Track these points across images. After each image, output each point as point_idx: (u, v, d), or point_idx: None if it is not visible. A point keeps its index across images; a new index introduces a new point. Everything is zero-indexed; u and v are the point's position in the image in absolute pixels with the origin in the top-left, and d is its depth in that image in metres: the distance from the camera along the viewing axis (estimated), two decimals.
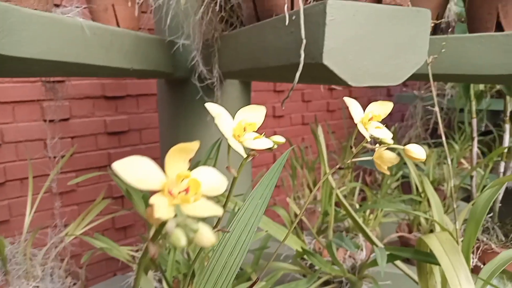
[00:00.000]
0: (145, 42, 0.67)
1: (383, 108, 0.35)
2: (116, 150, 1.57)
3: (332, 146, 2.17)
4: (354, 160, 0.36)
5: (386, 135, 0.34)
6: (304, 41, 0.38)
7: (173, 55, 0.78)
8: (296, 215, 1.23)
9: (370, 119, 0.32)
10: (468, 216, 0.58)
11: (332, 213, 0.67)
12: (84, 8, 0.67)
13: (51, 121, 1.25)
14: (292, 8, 0.60)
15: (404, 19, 0.40)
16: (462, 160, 1.47)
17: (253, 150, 0.25)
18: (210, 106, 0.26)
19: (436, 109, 0.63)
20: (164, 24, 0.75)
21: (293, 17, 0.41)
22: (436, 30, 0.74)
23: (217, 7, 0.65)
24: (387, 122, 2.72)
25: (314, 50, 0.38)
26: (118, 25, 0.70)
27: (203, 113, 0.80)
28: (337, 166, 0.36)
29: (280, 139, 0.28)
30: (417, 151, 0.34)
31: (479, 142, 1.87)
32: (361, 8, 0.37)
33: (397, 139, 1.86)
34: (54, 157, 1.45)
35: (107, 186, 1.53)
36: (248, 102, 0.90)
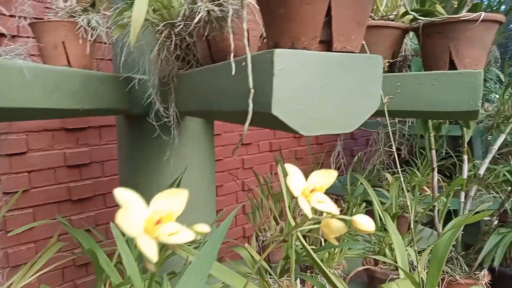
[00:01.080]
0: (97, 80, 0.65)
1: (326, 178, 0.33)
2: (76, 183, 1.50)
3: None
4: (299, 229, 0.34)
5: (330, 208, 0.32)
6: (252, 90, 0.37)
7: (129, 92, 0.76)
8: (261, 248, 1.20)
9: (312, 190, 0.31)
10: (430, 256, 0.57)
11: (293, 257, 0.65)
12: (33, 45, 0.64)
13: (6, 155, 1.18)
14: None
15: (356, 66, 0.40)
16: (425, 187, 1.49)
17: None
18: (118, 193, 0.23)
19: (392, 142, 0.63)
20: (119, 60, 0.72)
21: (243, 63, 0.40)
22: (392, 67, 0.75)
23: (172, 46, 0.63)
24: (352, 147, 2.76)
25: (263, 100, 0.36)
26: (69, 63, 0.67)
27: (161, 151, 0.78)
28: (282, 239, 0.34)
29: (205, 228, 0.25)
30: (365, 223, 0.32)
31: (440, 166, 1.91)
32: (310, 57, 0.37)
33: (361, 165, 1.88)
34: (8, 193, 1.37)
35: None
36: (210, 138, 0.87)
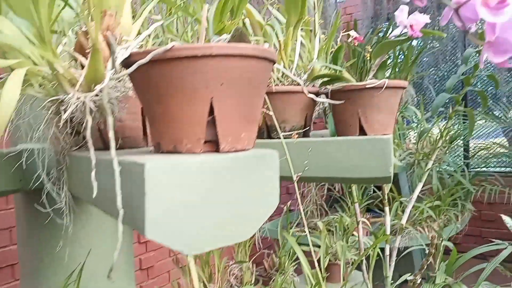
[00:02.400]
0: None
1: None
2: None
3: None
4: None
5: None
6: (122, 211, 0.31)
7: (21, 169, 0.67)
8: None
9: None
10: None
11: None
12: None
13: None
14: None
15: (247, 167, 0.36)
16: (355, 233, 1.50)
17: None
18: None
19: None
20: (3, 136, 0.63)
21: (120, 168, 0.34)
22: (306, 132, 0.73)
23: (61, 123, 0.56)
24: (288, 184, 2.77)
25: (137, 218, 0.31)
26: None
27: (58, 237, 0.69)
28: None
29: None
30: None
31: (370, 204, 1.96)
32: (191, 165, 0.32)
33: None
34: None
35: None
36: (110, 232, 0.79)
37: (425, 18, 0.63)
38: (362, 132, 0.68)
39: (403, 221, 1.09)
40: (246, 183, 0.36)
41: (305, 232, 0.82)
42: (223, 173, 0.34)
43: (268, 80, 0.40)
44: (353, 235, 1.57)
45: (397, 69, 1.34)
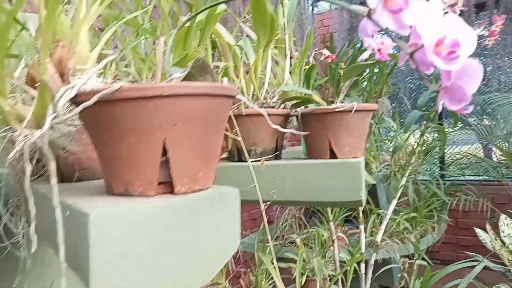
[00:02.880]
0: None
1: None
2: None
3: None
4: None
5: None
6: (65, 265, 0.29)
7: None
8: None
9: None
10: None
11: None
12: None
13: None
14: None
15: (205, 208, 0.34)
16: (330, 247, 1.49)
17: None
18: None
19: None
20: None
21: (67, 213, 0.32)
22: (277, 155, 0.72)
23: (18, 153, 0.54)
24: None
25: (82, 270, 0.29)
26: None
27: (12, 272, 0.65)
28: None
29: None
30: None
31: (348, 216, 1.96)
32: (141, 212, 0.30)
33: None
34: None
35: None
36: None
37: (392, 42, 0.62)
38: (333, 155, 0.67)
39: (378, 237, 1.09)
40: (203, 226, 0.34)
41: (285, 245, 0.80)
42: (178, 217, 0.32)
43: (227, 115, 0.39)
44: (331, 248, 1.57)
45: (372, 81, 1.35)
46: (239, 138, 0.63)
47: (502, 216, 1.12)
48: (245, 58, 0.75)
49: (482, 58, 3.24)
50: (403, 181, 1.41)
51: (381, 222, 1.56)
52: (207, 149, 0.35)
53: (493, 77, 3.03)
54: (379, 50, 0.61)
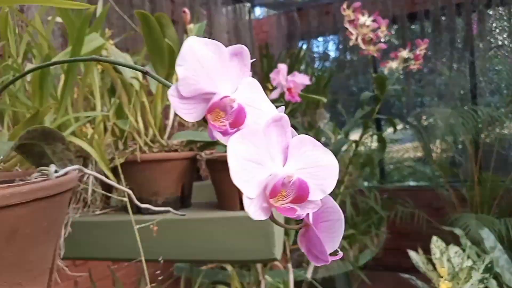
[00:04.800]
0: None
1: None
2: None
3: None
4: None
5: None
6: None
7: None
8: None
9: None
10: None
11: None
12: None
13: None
14: None
15: None
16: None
17: None
18: None
19: None
20: None
21: None
22: (185, 202, 0.63)
23: None
24: None
25: None
26: None
27: None
28: None
29: None
30: None
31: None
32: None
33: None
34: None
35: None
36: None
37: (304, 79, 0.56)
38: (243, 205, 0.59)
39: (308, 273, 1.03)
40: None
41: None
42: None
43: (64, 215, 0.29)
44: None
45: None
46: (129, 191, 0.53)
47: (434, 238, 1.11)
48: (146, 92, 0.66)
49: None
50: (337, 200, 1.38)
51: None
52: (30, 267, 0.26)
53: (429, 80, 3.13)
54: (289, 89, 0.54)
